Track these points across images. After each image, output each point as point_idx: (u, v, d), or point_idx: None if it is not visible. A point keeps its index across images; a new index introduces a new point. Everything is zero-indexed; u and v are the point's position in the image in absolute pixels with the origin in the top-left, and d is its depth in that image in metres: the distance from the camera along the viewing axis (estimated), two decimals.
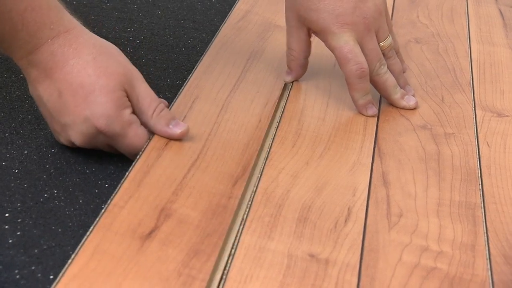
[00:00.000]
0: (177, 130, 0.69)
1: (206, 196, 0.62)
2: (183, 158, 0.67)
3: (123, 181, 0.62)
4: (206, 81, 0.80)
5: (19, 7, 0.63)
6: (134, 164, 0.65)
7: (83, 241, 0.55)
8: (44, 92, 0.67)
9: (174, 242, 0.57)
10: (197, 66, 0.83)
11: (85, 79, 0.66)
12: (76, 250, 0.54)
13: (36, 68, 0.67)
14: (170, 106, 0.74)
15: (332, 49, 0.78)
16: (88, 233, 0.56)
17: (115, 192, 0.61)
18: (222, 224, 0.59)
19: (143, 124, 0.69)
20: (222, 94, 0.79)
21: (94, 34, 0.69)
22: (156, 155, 0.66)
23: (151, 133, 0.69)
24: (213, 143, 0.70)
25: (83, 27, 0.69)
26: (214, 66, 0.84)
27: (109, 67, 0.67)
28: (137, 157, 0.66)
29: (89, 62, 0.66)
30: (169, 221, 0.59)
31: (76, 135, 0.67)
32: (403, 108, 0.80)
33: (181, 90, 0.78)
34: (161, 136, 0.69)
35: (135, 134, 0.67)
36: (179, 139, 0.69)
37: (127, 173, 0.63)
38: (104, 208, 0.59)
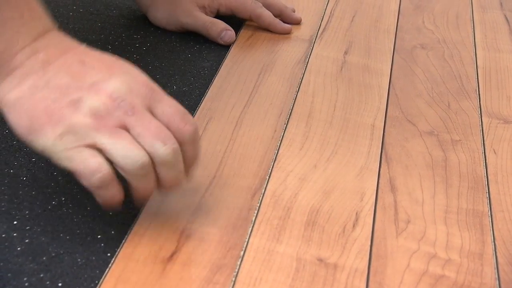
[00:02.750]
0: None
1: (225, 211, 0.63)
2: (200, 178, 0.66)
3: (142, 208, 0.62)
4: (219, 102, 0.80)
5: None
6: None
7: (105, 272, 0.55)
8: (63, 64, 0.58)
9: (196, 260, 0.57)
10: (209, 88, 0.83)
11: (109, 57, 0.60)
12: (100, 281, 0.54)
13: (46, 50, 0.58)
14: None
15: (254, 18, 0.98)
16: (110, 264, 0.56)
17: (134, 220, 0.61)
18: (243, 236, 0.60)
19: None
20: (235, 112, 0.78)
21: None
22: None
23: None
24: (229, 160, 0.70)
25: None
26: (225, 87, 0.83)
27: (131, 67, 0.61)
28: None
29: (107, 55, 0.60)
30: (190, 241, 0.59)
31: (114, 83, 0.57)
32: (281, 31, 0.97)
33: (194, 113, 0.77)
34: None
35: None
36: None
37: None
38: (125, 238, 0.59)
